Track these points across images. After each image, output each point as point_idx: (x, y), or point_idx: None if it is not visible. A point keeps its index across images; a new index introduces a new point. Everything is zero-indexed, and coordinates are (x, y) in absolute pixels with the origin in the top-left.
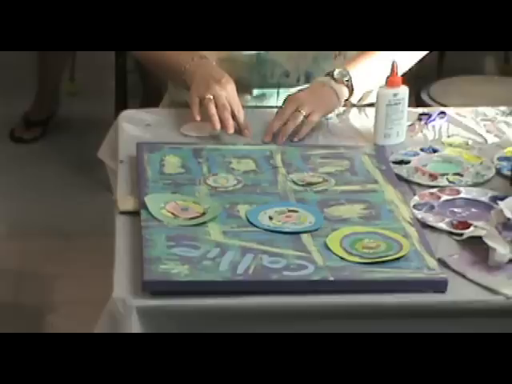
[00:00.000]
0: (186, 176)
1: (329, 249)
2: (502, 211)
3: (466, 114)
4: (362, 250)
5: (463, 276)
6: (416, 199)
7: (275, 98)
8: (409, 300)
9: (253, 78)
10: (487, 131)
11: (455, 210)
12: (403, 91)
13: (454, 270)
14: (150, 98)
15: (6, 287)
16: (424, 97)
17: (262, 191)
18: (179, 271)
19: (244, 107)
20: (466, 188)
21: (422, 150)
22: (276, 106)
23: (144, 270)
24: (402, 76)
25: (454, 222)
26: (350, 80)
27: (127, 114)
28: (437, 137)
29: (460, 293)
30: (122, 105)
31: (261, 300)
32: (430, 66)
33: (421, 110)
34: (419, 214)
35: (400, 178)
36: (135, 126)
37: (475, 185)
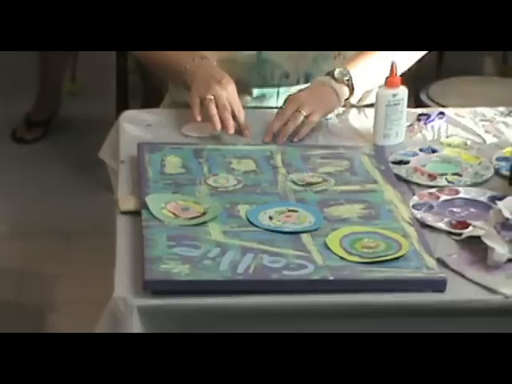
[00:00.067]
0: (187, 176)
1: (328, 248)
2: (500, 211)
3: (465, 115)
4: (362, 249)
5: (462, 275)
6: (415, 199)
7: (275, 98)
8: (408, 299)
9: (253, 79)
10: (486, 131)
11: (454, 209)
12: (402, 92)
13: (452, 270)
14: (151, 99)
15: (7, 287)
16: (423, 97)
17: (262, 191)
18: (180, 271)
19: (244, 108)
20: (464, 188)
21: (421, 150)
22: (276, 107)
23: (145, 270)
24: (401, 76)
25: (453, 222)
26: (350, 79)
27: (128, 114)
28: (436, 137)
29: (459, 292)
30: (122, 105)
31: (261, 299)
32: (428, 66)
33: (420, 110)
34: (418, 214)
35: (399, 178)
36: (136, 126)
37: (474, 185)
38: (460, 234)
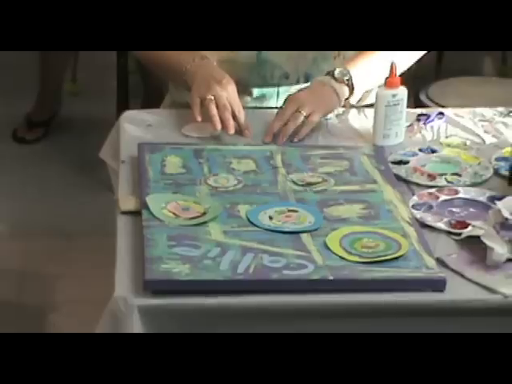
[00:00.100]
0: (187, 176)
1: (328, 248)
2: (499, 211)
3: (464, 115)
4: (361, 249)
5: (461, 275)
6: (415, 199)
7: (275, 98)
8: (407, 299)
9: (253, 79)
10: (485, 132)
11: (453, 209)
12: (402, 92)
13: (452, 270)
14: (152, 99)
15: (8, 287)
16: (422, 98)
17: (262, 191)
18: (180, 270)
19: (244, 108)
20: (464, 188)
21: (420, 150)
22: (276, 107)
23: (145, 270)
24: (401, 76)
25: (453, 222)
26: (350, 79)
27: (129, 114)
28: (435, 137)
29: (458, 292)
30: (123, 105)
31: (261, 299)
32: (428, 67)
33: (419, 110)
34: (418, 214)
35: (399, 178)
36: (137, 126)
37: (473, 185)
38: (459, 234)
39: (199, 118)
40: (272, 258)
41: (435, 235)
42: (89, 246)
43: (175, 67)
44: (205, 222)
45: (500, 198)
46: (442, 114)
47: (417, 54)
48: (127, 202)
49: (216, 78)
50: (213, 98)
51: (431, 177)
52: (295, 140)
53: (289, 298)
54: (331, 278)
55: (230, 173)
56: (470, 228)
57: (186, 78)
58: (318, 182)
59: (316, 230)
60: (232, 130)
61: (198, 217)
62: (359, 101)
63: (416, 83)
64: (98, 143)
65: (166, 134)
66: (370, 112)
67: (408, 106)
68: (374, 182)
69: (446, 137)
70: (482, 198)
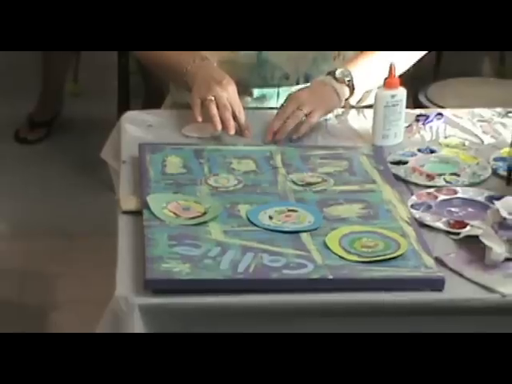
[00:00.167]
0: (188, 176)
1: (328, 248)
2: (498, 211)
3: (463, 116)
4: (361, 248)
5: (460, 274)
6: (413, 199)
7: (275, 99)
8: (406, 298)
9: (253, 80)
10: (483, 132)
11: (452, 209)
12: (401, 93)
13: (450, 269)
14: (152, 99)
15: (10, 286)
16: (421, 98)
17: (262, 191)
18: (181, 270)
19: (244, 108)
20: (462, 188)
21: (419, 150)
22: (276, 108)
23: (146, 269)
24: (400, 77)
25: (451, 222)
26: (351, 80)
27: (130, 115)
28: (434, 138)
29: (457, 291)
30: (124, 106)
31: (261, 298)
32: (427, 68)
33: (418, 111)
34: (417, 214)
35: (398, 178)
36: (137, 127)
37: (472, 185)
38: (458, 234)
39: (200, 119)
40: (272, 258)
41: (434, 235)
42: (90, 246)
43: (176, 68)
44: (205, 222)
45: (498, 198)
46: (440, 114)
47: (417, 55)
48: (128, 202)
49: (216, 78)
50: (213, 98)
51: (430, 177)
52: (294, 137)
53: (288, 297)
54: (331, 277)
55: (230, 173)
56: (468, 228)
57: (186, 79)
58: (318, 182)
59: (316, 229)
60: (232, 131)
61: (199, 216)
62: (359, 101)
63: (415, 84)
64: (99, 143)
65: (167, 134)
66: (369, 112)
67: (407, 107)
68: (373, 181)
69: (445, 137)
70: (481, 198)
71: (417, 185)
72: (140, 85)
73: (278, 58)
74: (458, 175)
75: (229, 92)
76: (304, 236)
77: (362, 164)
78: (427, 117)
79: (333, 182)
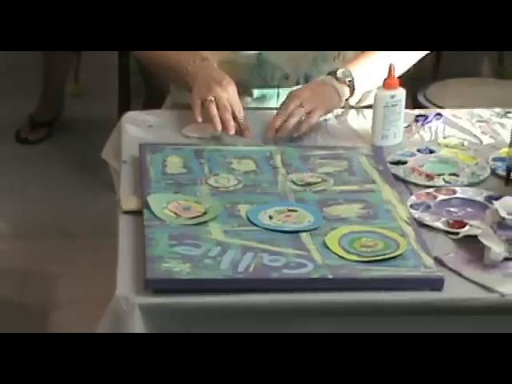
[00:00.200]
0: (188, 176)
1: (327, 247)
2: (496, 211)
3: (462, 116)
4: (360, 248)
5: (459, 274)
6: (413, 199)
7: (275, 99)
8: (406, 298)
9: (253, 80)
10: (482, 132)
11: (451, 209)
12: (400, 93)
13: (450, 269)
14: (153, 99)
15: (11, 286)
16: (420, 99)
17: (262, 191)
18: (181, 269)
19: (244, 109)
20: (461, 188)
21: (418, 150)
22: (276, 108)
23: (147, 269)
24: (399, 77)
25: (450, 222)
26: (352, 81)
27: (130, 115)
28: (433, 138)
29: (456, 291)
30: (125, 106)
31: (261, 297)
32: (426, 68)
33: (417, 111)
34: (416, 214)
35: (397, 178)
36: (138, 127)
37: (471, 185)
38: (457, 234)
39: (200, 119)
40: (272, 257)
41: (433, 234)
42: (91, 246)
43: (176, 68)
44: (205, 222)
45: (497, 198)
46: (439, 114)
47: (417, 55)
48: (129, 202)
49: (216, 79)
50: (213, 99)
51: (429, 177)
52: (295, 135)
53: (288, 296)
54: (330, 276)
55: (230, 173)
56: (467, 227)
57: (186, 80)
58: (318, 182)
59: (315, 229)
60: (232, 131)
61: (199, 216)
62: (358, 102)
63: (414, 84)
64: (100, 144)
65: (167, 134)
66: (368, 113)
67: (406, 107)
68: (373, 182)
69: (444, 137)
70: (480, 198)
71: (416, 185)
72: (140, 85)
73: (278, 59)
74: (457, 175)
75: (229, 92)
76: (304, 236)
77: (361, 164)
78: (426, 117)
79: (332, 182)
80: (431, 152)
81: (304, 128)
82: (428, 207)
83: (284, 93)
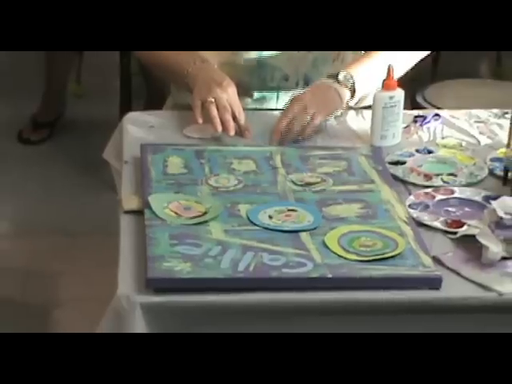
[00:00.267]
0: (189, 176)
1: (327, 247)
2: (494, 210)
3: (460, 117)
4: (359, 248)
5: (457, 273)
6: (411, 199)
7: (275, 100)
8: (404, 297)
9: (253, 82)
10: (480, 133)
11: (449, 209)
12: (399, 94)
13: (448, 268)
14: (154, 100)
15: (13, 284)
16: (419, 99)
17: (262, 191)
18: (182, 268)
19: (244, 110)
20: (459, 188)
21: (417, 151)
22: (276, 109)
23: (148, 268)
24: (399, 78)
25: (449, 221)
26: (353, 84)
27: (131, 116)
28: (431, 138)
29: (454, 290)
30: (126, 107)
31: (261, 296)
32: (424, 69)
33: (416, 112)
34: (414, 213)
35: (396, 178)
36: (139, 127)
37: (469, 185)
38: (455, 233)
39: (200, 120)
40: (272, 257)
41: (431, 234)
42: (92, 245)
43: (176, 70)
44: (206, 221)
45: (495, 198)
46: (438, 115)
47: (418, 55)
48: (130, 202)
49: (217, 80)
50: (213, 100)
51: (427, 177)
52: (300, 139)
53: (288, 295)
54: (330, 276)
55: (230, 173)
56: (465, 227)
57: (187, 81)
58: (317, 182)
59: (315, 229)
60: (232, 132)
61: (200, 216)
62: (357, 102)
63: (413, 85)
64: (102, 144)
65: (168, 135)
66: (367, 114)
67: (405, 108)
68: (372, 182)
69: (442, 138)
70: (478, 198)
71: (415, 185)
72: (142, 86)
73: (278, 60)
74: (455, 175)
75: (229, 94)
76: (303, 235)
77: (360, 164)
78: (425, 118)
79: (332, 182)
80: (429, 152)
81: (309, 131)
82: (426, 207)
83: (283, 94)
